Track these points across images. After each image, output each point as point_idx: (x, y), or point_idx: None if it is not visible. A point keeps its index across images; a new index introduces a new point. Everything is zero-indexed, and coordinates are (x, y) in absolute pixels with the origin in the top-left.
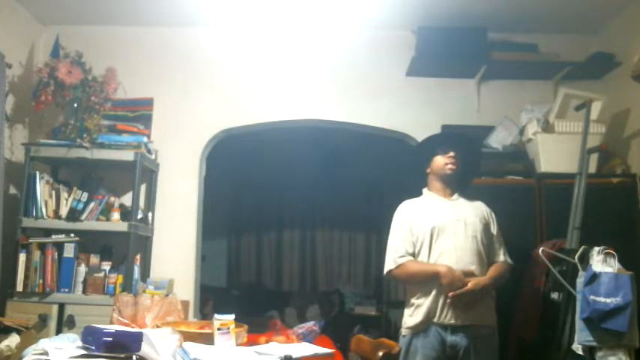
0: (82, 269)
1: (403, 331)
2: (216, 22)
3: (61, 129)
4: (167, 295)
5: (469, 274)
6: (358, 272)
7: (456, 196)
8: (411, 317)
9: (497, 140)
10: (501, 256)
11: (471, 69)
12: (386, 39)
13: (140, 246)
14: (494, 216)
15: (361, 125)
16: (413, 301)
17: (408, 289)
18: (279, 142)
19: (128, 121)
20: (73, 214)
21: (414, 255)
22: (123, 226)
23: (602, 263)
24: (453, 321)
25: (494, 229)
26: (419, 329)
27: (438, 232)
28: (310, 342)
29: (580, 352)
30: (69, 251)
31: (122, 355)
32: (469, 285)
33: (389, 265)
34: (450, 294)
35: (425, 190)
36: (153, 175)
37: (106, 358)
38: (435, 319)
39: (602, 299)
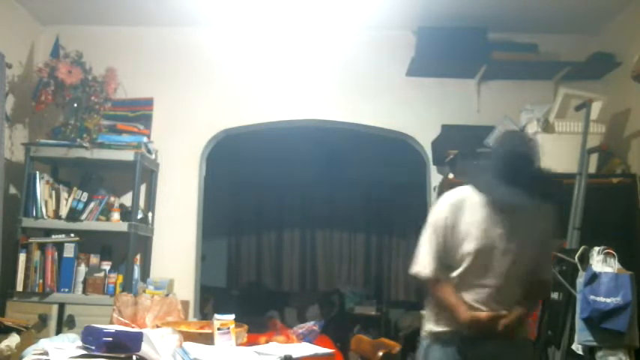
0: (82, 269)
1: (423, 334)
2: (216, 22)
3: (61, 129)
4: (167, 295)
5: (496, 317)
6: (358, 272)
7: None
8: (434, 324)
9: None
10: (543, 274)
11: (471, 69)
12: (386, 39)
13: (140, 246)
14: (552, 224)
15: (361, 125)
16: (436, 315)
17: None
18: (279, 142)
19: (128, 121)
20: (73, 214)
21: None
22: (123, 226)
23: (602, 263)
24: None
25: (547, 244)
26: (441, 337)
27: (480, 261)
28: (310, 342)
29: (580, 352)
30: (69, 251)
31: (122, 355)
32: (499, 328)
33: (426, 272)
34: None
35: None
36: (153, 175)
37: (106, 358)
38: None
39: (602, 299)
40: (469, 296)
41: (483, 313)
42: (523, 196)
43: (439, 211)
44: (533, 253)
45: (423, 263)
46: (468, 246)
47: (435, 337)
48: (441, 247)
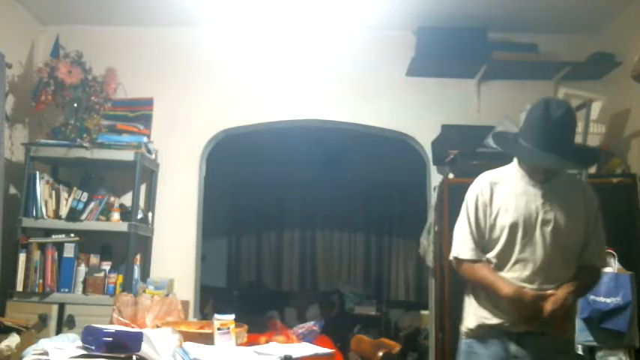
0: (82, 269)
1: (464, 332)
2: (216, 22)
3: (61, 129)
4: (167, 295)
5: (543, 296)
6: (358, 272)
7: (551, 180)
8: (475, 320)
9: None
10: (592, 260)
11: (471, 69)
12: (386, 39)
13: (140, 246)
14: (596, 204)
15: (361, 125)
16: (478, 309)
17: (473, 286)
18: (279, 142)
19: (128, 121)
20: (73, 214)
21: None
22: (123, 226)
23: None
24: (523, 329)
25: (592, 225)
26: (483, 334)
27: (519, 233)
28: (310, 342)
29: (580, 352)
30: (69, 251)
31: (122, 355)
32: (547, 308)
33: (464, 253)
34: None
35: (516, 162)
36: (153, 175)
37: (106, 358)
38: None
39: (602, 299)
40: (510, 275)
41: (529, 290)
42: (559, 161)
43: (473, 188)
44: (575, 228)
45: (458, 246)
46: (505, 218)
47: (476, 334)
48: (477, 226)
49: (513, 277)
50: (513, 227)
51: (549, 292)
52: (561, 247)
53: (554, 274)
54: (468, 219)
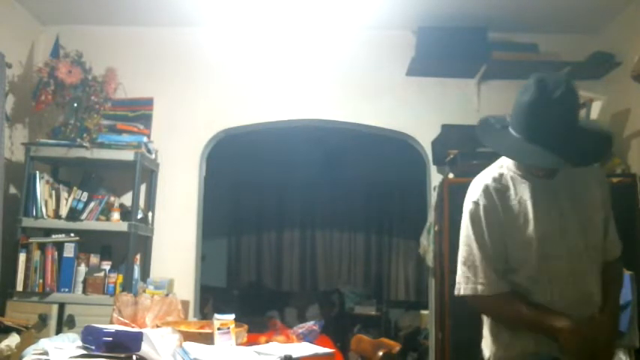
0: (82, 269)
1: (498, 357)
2: (216, 22)
3: (61, 129)
4: (167, 295)
5: (598, 323)
6: (358, 272)
7: (556, 174)
8: (506, 349)
9: None
10: (614, 251)
11: (471, 69)
12: (386, 39)
13: (140, 246)
14: (608, 187)
15: (361, 125)
16: (506, 334)
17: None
18: (279, 142)
19: (128, 121)
20: (73, 214)
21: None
22: (123, 226)
23: None
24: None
25: (607, 211)
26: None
27: (543, 243)
28: (310, 342)
29: None
30: (69, 251)
31: (122, 355)
32: (602, 338)
33: (486, 288)
34: None
35: (505, 160)
36: (153, 175)
37: (106, 358)
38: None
39: None
40: (544, 298)
41: (583, 320)
42: (557, 156)
43: (471, 199)
44: (598, 219)
45: (470, 279)
46: (522, 229)
47: None
48: (492, 246)
49: (546, 299)
50: (533, 237)
51: (597, 317)
52: (586, 244)
53: (590, 281)
54: (475, 242)
